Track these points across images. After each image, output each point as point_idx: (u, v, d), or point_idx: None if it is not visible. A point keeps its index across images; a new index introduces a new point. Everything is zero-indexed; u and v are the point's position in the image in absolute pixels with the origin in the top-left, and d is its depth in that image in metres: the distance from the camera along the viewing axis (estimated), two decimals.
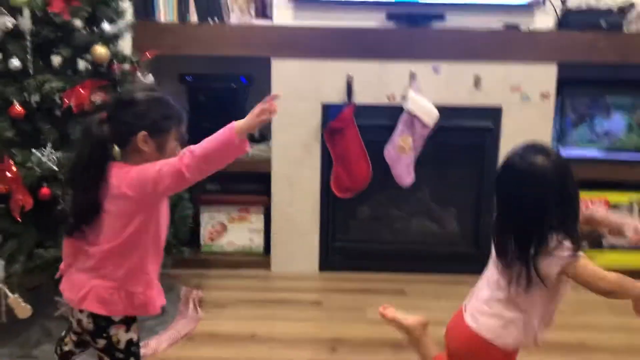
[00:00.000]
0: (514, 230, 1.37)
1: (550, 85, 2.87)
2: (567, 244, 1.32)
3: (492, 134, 2.92)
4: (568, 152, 3.02)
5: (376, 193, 3.05)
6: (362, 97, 2.87)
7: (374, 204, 3.12)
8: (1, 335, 2.13)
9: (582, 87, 3.04)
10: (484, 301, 1.46)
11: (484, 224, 2.98)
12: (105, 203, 1.39)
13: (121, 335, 1.48)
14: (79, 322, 1.49)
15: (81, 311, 1.46)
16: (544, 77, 2.86)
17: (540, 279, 1.34)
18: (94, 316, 1.45)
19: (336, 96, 2.88)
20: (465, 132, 2.94)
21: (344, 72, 2.85)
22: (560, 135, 3.03)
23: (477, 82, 2.86)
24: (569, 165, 1.39)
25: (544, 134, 2.90)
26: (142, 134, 1.39)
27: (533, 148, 1.40)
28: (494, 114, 2.90)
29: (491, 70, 2.84)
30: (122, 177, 1.38)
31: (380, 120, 2.90)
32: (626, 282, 1.30)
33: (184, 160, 1.36)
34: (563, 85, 2.93)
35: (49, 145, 1.99)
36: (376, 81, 2.87)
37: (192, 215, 2.75)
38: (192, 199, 2.98)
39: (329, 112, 2.87)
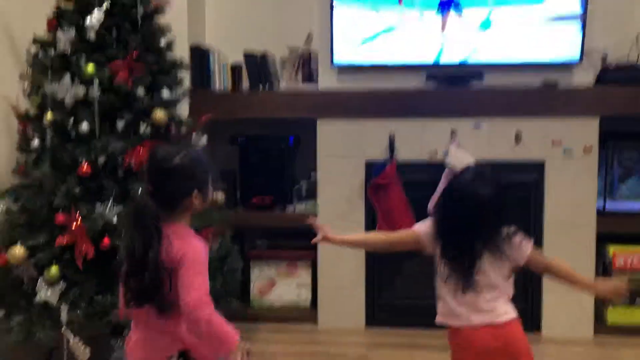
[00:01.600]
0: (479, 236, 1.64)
1: (593, 139, 2.88)
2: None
3: (537, 188, 2.94)
4: (616, 205, 2.99)
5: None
6: (404, 154, 2.98)
7: (419, 259, 3.11)
8: None
9: (628, 141, 3.04)
10: (494, 300, 1.67)
11: (532, 279, 2.96)
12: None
13: None
14: None
15: None
16: (585, 131, 2.89)
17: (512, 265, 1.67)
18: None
19: (379, 154, 2.99)
20: (509, 187, 2.96)
21: (386, 131, 2.98)
22: (608, 189, 3.01)
23: (518, 137, 2.91)
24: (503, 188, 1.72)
25: (589, 187, 2.90)
26: (195, 193, 1.50)
27: (480, 178, 1.68)
28: (537, 168, 2.93)
29: (532, 125, 2.90)
30: (185, 248, 1.44)
31: (423, 177, 2.98)
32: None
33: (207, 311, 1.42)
34: (607, 139, 2.94)
35: (111, 200, 2.17)
36: (418, 139, 2.98)
37: (242, 269, 2.87)
38: (242, 253, 3.12)
39: (372, 169, 2.98)
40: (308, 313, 3.13)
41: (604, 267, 2.97)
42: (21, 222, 2.20)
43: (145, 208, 1.43)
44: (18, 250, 2.09)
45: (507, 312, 1.68)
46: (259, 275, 3.19)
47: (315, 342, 2.88)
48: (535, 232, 2.95)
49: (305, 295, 3.17)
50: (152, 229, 1.40)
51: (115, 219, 2.13)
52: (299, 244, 3.24)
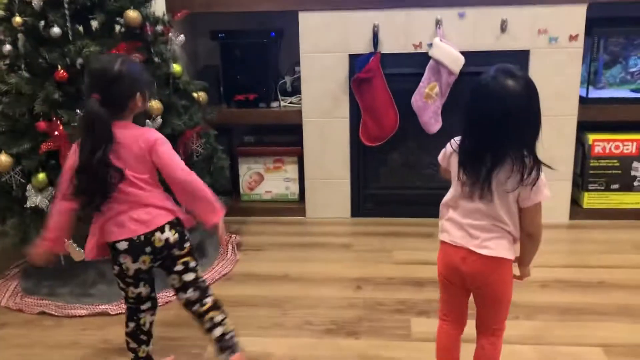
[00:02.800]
0: (488, 148, 1.42)
1: (579, 28, 2.83)
2: (542, 177, 1.44)
3: None
4: (599, 93, 3.00)
5: (406, 140, 3.13)
6: (388, 46, 2.93)
7: (403, 151, 3.20)
8: (62, 276, 2.40)
9: (615, 27, 2.98)
10: (481, 229, 1.49)
11: None
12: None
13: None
14: (161, 246, 1.63)
15: (160, 231, 1.62)
16: (572, 19, 2.82)
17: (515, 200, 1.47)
18: (172, 224, 1.64)
19: (363, 46, 2.94)
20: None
21: (370, 22, 2.90)
22: (592, 78, 3.00)
23: (503, 26, 2.86)
24: (536, 88, 1.44)
25: (573, 75, 2.89)
26: (139, 96, 1.61)
27: (504, 71, 1.42)
28: (521, 58, 2.90)
29: (517, 13, 2.83)
30: (144, 140, 1.60)
31: (407, 69, 2.96)
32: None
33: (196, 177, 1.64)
34: (594, 25, 2.88)
35: None
36: (402, 30, 2.91)
37: (230, 166, 2.92)
38: (229, 150, 3.16)
39: (356, 62, 2.94)
40: (296, 206, 3.23)
41: (583, 155, 3.04)
42: (3, 129, 2.20)
43: (98, 115, 1.52)
44: (3, 158, 2.13)
45: (499, 248, 1.48)
46: (247, 171, 3.26)
47: (303, 233, 3.01)
48: None
49: (293, 189, 3.26)
50: (105, 133, 1.53)
51: None
52: (285, 139, 3.28)
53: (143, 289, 1.72)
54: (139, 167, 1.60)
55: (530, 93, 1.42)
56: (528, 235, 1.52)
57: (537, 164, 1.43)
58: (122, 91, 1.57)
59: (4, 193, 2.21)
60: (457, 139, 1.53)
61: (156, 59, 2.37)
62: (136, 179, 1.59)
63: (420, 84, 2.92)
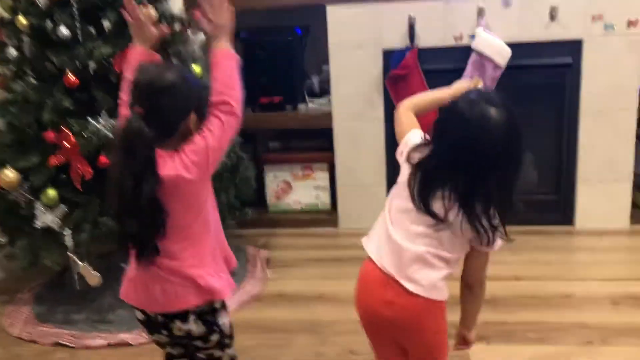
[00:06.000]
0: (453, 179, 1.16)
1: (639, 11, 2.55)
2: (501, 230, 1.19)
3: (573, 71, 2.66)
4: None
5: None
6: (426, 39, 2.68)
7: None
8: (77, 301, 2.19)
9: None
10: (417, 258, 1.21)
11: (565, 169, 2.77)
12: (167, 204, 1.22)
13: (226, 319, 1.37)
14: (180, 335, 1.32)
15: (181, 320, 1.30)
16: (630, 2, 2.55)
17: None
18: (199, 314, 1.31)
19: (398, 41, 2.70)
20: (542, 70, 2.69)
21: (405, 14, 2.66)
22: None
23: (553, 13, 2.59)
24: (520, 128, 1.16)
25: (632, 66, 2.60)
26: (193, 115, 1.25)
27: (485, 98, 1.16)
28: (573, 48, 2.63)
29: None
30: (176, 166, 1.22)
31: (447, 64, 2.70)
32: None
33: (225, 109, 1.26)
34: None
35: (104, 113, 1.96)
36: (441, 21, 2.66)
37: (256, 175, 2.70)
38: (254, 159, 2.94)
39: (391, 58, 2.70)
40: (328, 216, 2.99)
41: None
42: (9, 141, 2.00)
43: (139, 134, 1.18)
44: (9, 174, 1.92)
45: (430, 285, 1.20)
46: (274, 180, 3.03)
47: (336, 246, 2.77)
48: (570, 120, 2.71)
49: (324, 198, 3.02)
50: (145, 159, 1.18)
51: (110, 134, 1.93)
52: (314, 144, 3.05)
53: (173, 351, 1.42)
54: (178, 208, 1.24)
55: (511, 133, 1.14)
56: (467, 286, 1.27)
57: (495, 230, 1.18)
58: (174, 107, 1.22)
59: (11, 212, 2.00)
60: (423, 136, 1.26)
61: (174, 60, 2.15)
62: (172, 227, 1.24)
63: (462, 79, 2.66)
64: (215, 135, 1.24)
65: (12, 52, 2.00)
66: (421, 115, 1.37)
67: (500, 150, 1.14)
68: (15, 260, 2.03)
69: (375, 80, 2.76)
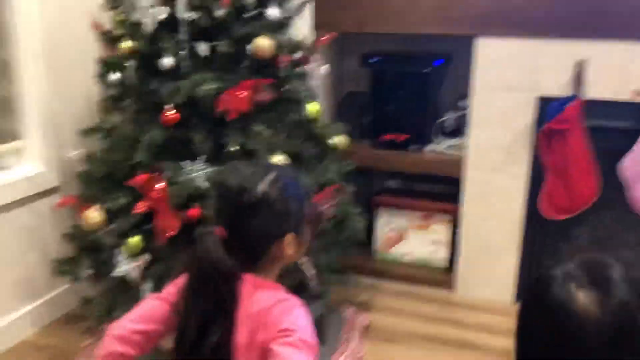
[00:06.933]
0: None
1: None
2: None
3: None
4: None
5: (599, 212, 2.34)
6: (595, 90, 2.16)
7: (594, 225, 2.42)
8: None
9: None
10: None
11: None
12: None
13: None
14: None
15: None
16: None
17: None
18: None
19: (558, 88, 2.21)
20: None
21: (572, 56, 2.16)
22: None
23: None
24: None
25: None
26: (289, 237, 0.97)
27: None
28: None
29: None
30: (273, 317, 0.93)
31: (619, 122, 2.18)
32: None
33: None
34: None
35: (202, 157, 1.70)
36: (618, 69, 2.13)
37: (367, 217, 2.34)
38: (367, 197, 2.60)
39: (548, 108, 2.21)
40: (444, 276, 2.58)
41: None
42: (100, 175, 1.81)
43: (217, 263, 0.91)
44: (96, 214, 1.73)
45: None
46: (386, 225, 2.67)
47: (450, 321, 2.34)
48: None
49: (441, 255, 2.61)
50: (226, 300, 0.90)
51: (206, 185, 1.67)
52: (438, 191, 2.65)
53: None
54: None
55: None
56: None
57: None
58: (263, 229, 0.95)
59: (90, 254, 1.82)
60: None
61: (288, 99, 1.85)
62: None
63: (636, 145, 2.13)
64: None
65: (114, 76, 1.79)
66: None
67: None
68: (91, 305, 1.85)
69: (523, 130, 2.29)
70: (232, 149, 1.71)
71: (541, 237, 2.41)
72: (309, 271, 1.80)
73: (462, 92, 2.44)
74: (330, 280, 2.15)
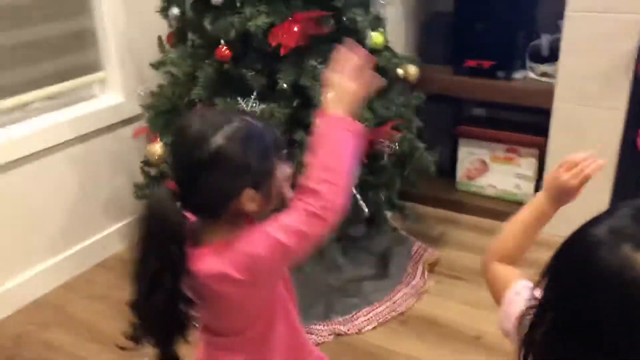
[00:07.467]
0: None
1: None
2: None
3: None
4: None
5: None
6: None
7: None
8: None
9: None
10: None
11: None
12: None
13: None
14: None
15: None
16: None
17: None
18: None
19: None
20: None
21: None
22: None
23: None
24: None
25: None
26: (248, 192, 0.91)
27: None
28: None
29: None
30: (224, 261, 0.90)
31: None
32: None
33: (311, 207, 0.87)
34: None
35: (254, 95, 1.70)
36: None
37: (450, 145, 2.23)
38: (450, 126, 2.49)
39: None
40: None
41: None
42: (163, 108, 1.88)
43: (165, 219, 0.88)
44: (157, 147, 1.82)
45: None
46: (469, 156, 2.55)
47: (528, 261, 2.24)
48: None
49: (526, 189, 2.46)
50: (169, 254, 0.88)
51: None
52: (525, 121, 2.46)
53: None
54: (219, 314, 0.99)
55: None
56: None
57: None
58: (216, 186, 0.90)
59: (162, 180, 1.94)
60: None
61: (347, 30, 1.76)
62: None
63: None
64: (287, 238, 0.88)
65: (174, 11, 1.81)
66: None
67: None
68: None
69: (624, 57, 2.02)
70: (284, 85, 1.69)
71: (638, 175, 2.17)
72: (363, 208, 1.79)
73: (561, 11, 2.17)
74: (395, 214, 2.14)
